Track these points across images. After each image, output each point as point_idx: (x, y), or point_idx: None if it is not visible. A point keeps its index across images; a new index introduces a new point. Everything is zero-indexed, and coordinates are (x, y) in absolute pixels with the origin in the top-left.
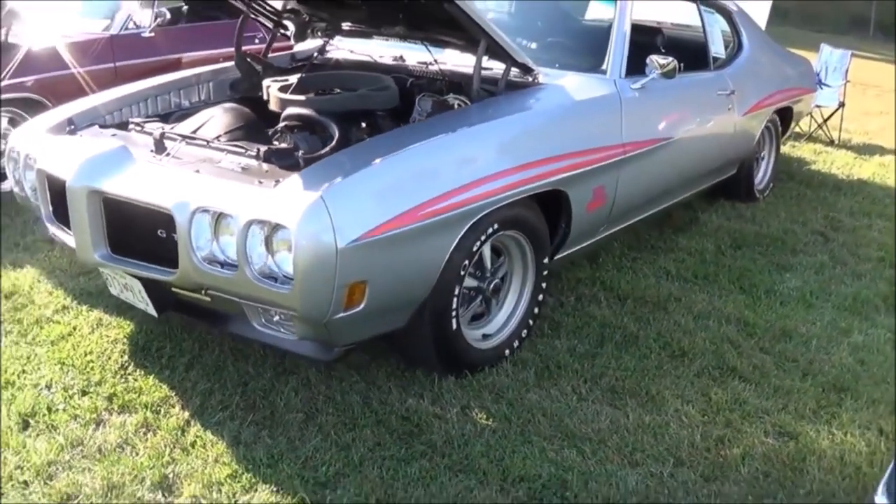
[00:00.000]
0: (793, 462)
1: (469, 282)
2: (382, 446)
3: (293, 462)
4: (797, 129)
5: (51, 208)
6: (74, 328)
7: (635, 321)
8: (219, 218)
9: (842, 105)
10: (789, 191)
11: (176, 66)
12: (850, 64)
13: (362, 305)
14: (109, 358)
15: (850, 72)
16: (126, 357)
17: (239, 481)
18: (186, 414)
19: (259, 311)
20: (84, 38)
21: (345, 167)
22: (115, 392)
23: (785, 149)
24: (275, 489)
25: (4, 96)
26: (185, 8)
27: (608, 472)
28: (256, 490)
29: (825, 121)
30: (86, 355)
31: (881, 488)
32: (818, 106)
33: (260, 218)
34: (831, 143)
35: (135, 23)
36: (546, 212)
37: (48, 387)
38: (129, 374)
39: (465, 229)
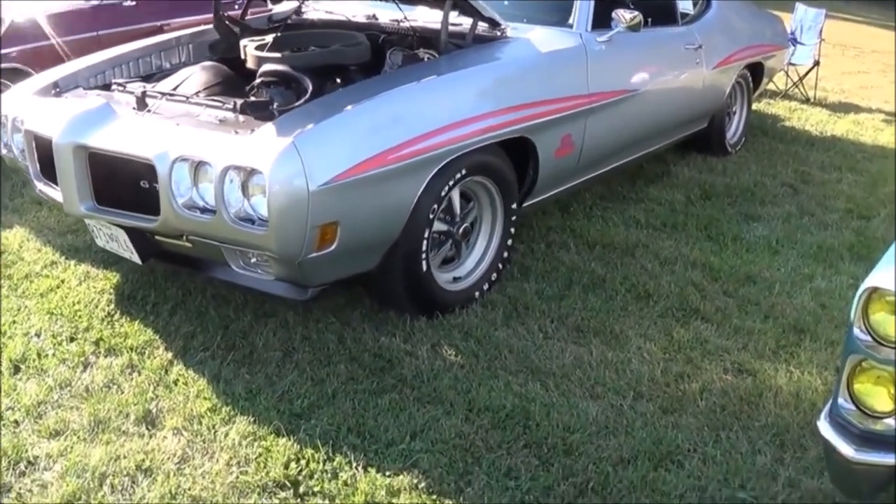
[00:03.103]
0: (750, 397)
1: (439, 226)
2: (355, 380)
3: (270, 396)
4: (773, 87)
5: (38, 167)
6: (63, 281)
7: (603, 266)
8: (197, 166)
9: (817, 63)
10: (762, 145)
11: (157, 33)
12: (825, 23)
13: (334, 246)
14: (97, 307)
15: (829, 32)
16: (112, 305)
17: (218, 414)
18: (170, 355)
19: (237, 253)
20: (67, 8)
21: (316, 115)
22: (102, 337)
23: (760, 106)
24: (252, 420)
25: None
26: None
27: (570, 404)
28: (235, 422)
29: (801, 79)
30: (74, 305)
31: (824, 414)
32: (793, 64)
33: (236, 164)
34: (807, 100)
35: None
36: (515, 159)
37: (38, 335)
38: (116, 321)
39: (432, 174)
